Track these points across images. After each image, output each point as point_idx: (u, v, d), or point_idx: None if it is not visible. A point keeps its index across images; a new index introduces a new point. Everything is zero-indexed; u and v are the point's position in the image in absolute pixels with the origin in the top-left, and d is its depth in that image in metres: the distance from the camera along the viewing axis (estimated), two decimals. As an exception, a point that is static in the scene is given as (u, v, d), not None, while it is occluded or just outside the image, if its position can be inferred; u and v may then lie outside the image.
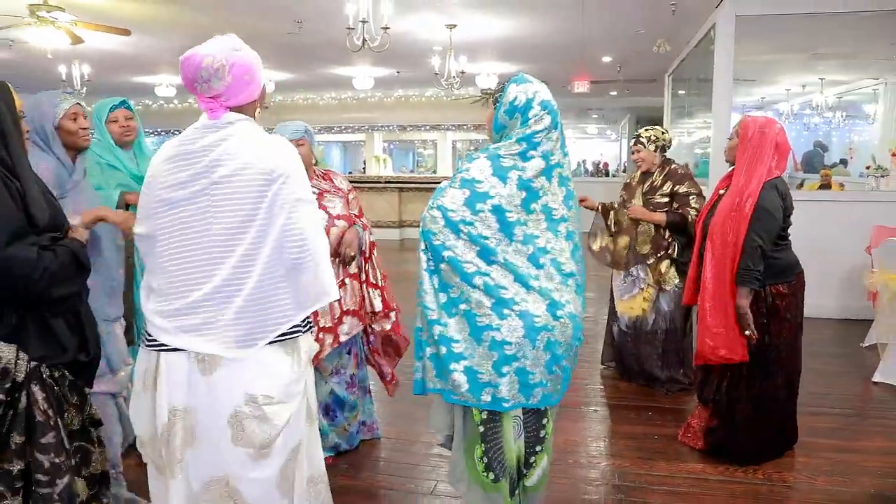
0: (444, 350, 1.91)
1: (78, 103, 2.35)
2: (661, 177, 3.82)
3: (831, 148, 9.39)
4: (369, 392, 3.30)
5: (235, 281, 1.66)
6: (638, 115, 15.13)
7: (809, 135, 9.94)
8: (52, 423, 1.81)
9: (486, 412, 1.98)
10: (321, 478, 1.93)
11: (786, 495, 2.79)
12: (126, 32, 6.97)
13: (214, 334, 1.67)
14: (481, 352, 1.89)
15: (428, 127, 14.96)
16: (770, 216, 2.81)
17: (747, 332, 2.84)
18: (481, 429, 2.00)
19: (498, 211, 1.88)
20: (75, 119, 2.32)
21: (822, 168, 7.25)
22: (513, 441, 2.01)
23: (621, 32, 7.92)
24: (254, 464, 1.72)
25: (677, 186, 3.74)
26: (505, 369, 1.89)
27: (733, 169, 2.98)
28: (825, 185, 6.86)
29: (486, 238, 1.88)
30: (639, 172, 3.98)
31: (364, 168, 16.09)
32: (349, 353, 3.06)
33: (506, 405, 1.92)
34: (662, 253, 3.79)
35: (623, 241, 3.93)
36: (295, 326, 1.75)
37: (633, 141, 3.94)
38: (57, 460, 1.81)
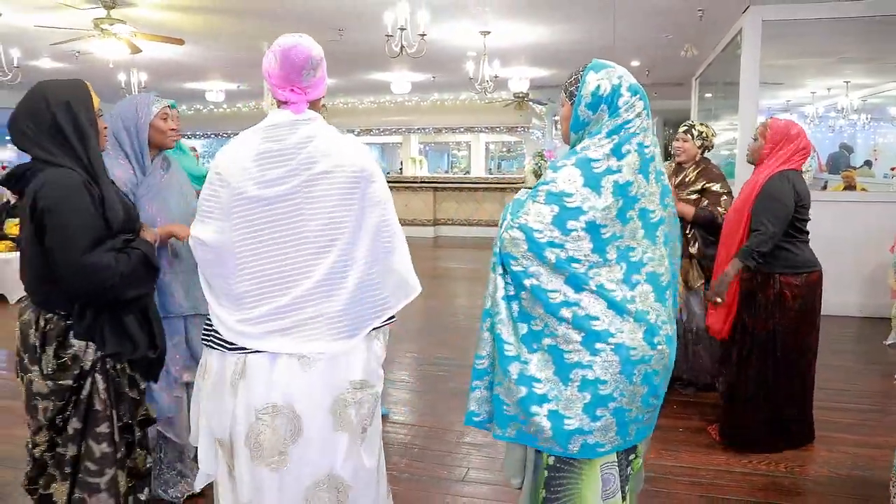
0: (523, 391, 1.64)
1: (169, 105, 2.46)
2: (695, 173, 3.73)
3: (856, 150, 9.34)
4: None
5: (337, 276, 1.67)
6: (665, 117, 15.10)
7: (835, 137, 9.86)
8: (108, 413, 1.89)
9: (553, 458, 1.72)
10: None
11: (808, 489, 2.82)
12: (180, 42, 7.38)
13: (318, 330, 1.66)
14: (569, 393, 1.62)
15: (462, 129, 15.19)
16: (776, 201, 2.92)
17: (718, 300, 3.05)
18: (546, 473, 1.74)
19: (592, 228, 1.59)
20: (165, 119, 2.41)
21: (843, 170, 7.29)
22: (592, 498, 1.72)
23: (650, 38, 8.03)
24: (357, 450, 1.74)
25: (710, 184, 3.66)
26: (599, 412, 1.62)
27: (756, 169, 3.15)
28: (849, 187, 6.92)
29: (578, 262, 1.59)
30: (673, 164, 3.88)
31: (401, 169, 16.40)
32: None
33: (601, 450, 1.66)
34: (683, 250, 3.71)
35: None
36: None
37: (683, 129, 3.80)
38: (108, 450, 1.89)
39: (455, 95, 14.01)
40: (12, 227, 7.80)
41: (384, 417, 3.63)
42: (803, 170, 3.11)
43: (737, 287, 3.11)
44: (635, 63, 9.81)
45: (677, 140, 3.82)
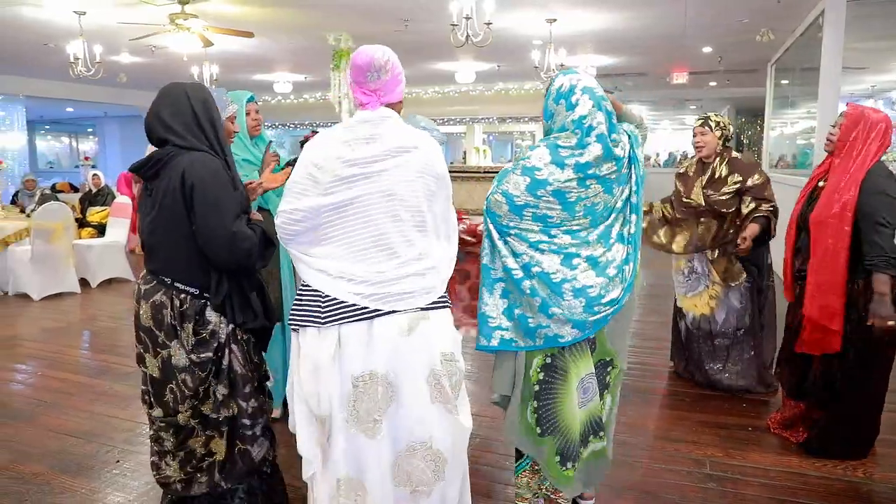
0: (538, 301, 2.05)
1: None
2: (724, 166, 3.58)
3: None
4: None
5: (423, 252, 1.87)
6: (737, 105, 14.56)
7: (925, 124, 9.30)
8: (249, 375, 2.15)
9: (542, 373, 2.13)
10: None
11: (890, 497, 2.68)
12: (249, 35, 7.57)
13: (414, 299, 1.84)
14: (566, 304, 2.04)
15: (526, 119, 15.08)
16: (886, 196, 2.69)
17: (890, 323, 2.62)
18: (536, 388, 2.15)
19: (558, 194, 2.02)
20: (232, 122, 2.55)
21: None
22: (575, 405, 2.15)
23: (723, 23, 7.76)
24: (450, 419, 1.89)
25: (749, 179, 3.50)
26: (596, 308, 2.06)
27: (829, 158, 2.93)
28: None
29: (550, 217, 2.04)
30: (695, 161, 3.74)
31: (464, 158, 16.43)
32: None
33: (591, 334, 2.13)
34: (724, 249, 3.61)
35: (682, 237, 3.73)
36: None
37: (699, 122, 3.66)
38: (255, 404, 2.18)
39: (519, 85, 13.92)
40: (94, 214, 8.22)
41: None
42: (891, 160, 2.92)
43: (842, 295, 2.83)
44: (707, 49, 9.49)
45: (695, 135, 3.67)
